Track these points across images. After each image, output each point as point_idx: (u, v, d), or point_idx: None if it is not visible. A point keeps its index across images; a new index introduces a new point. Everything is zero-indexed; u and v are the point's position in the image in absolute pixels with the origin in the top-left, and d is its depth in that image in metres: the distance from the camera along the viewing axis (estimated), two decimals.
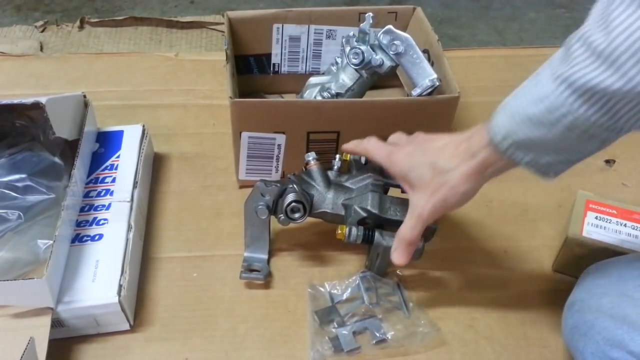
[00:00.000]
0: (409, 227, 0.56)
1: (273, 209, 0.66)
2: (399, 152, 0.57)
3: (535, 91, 0.43)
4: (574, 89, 0.40)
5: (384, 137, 0.63)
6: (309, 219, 0.67)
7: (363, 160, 0.69)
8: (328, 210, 0.65)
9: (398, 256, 0.58)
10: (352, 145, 0.65)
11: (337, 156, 0.68)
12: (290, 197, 0.64)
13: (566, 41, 0.42)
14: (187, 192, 0.80)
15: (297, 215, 0.65)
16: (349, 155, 0.69)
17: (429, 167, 0.53)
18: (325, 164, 0.68)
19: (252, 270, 0.68)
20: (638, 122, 0.41)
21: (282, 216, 0.65)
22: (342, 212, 0.65)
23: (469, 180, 0.51)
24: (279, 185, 0.65)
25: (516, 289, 0.70)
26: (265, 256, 0.70)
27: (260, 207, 0.65)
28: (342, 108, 0.71)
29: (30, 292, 0.56)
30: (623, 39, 0.36)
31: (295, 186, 0.64)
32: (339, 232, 0.63)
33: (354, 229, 0.62)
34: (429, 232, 0.62)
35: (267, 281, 0.69)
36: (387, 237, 0.62)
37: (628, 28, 0.36)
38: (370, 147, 0.61)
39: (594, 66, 0.38)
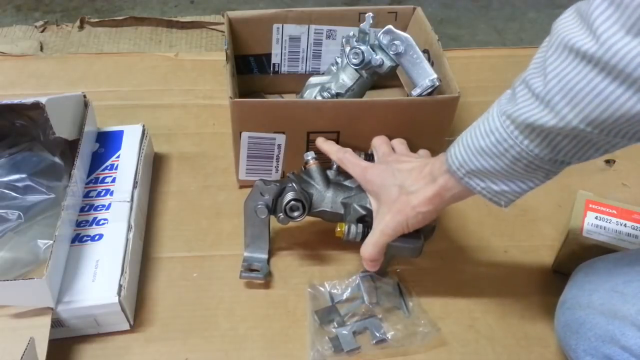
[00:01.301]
0: (371, 244, 0.59)
1: (272, 209, 0.66)
2: (372, 170, 0.61)
3: (486, 125, 0.48)
4: (516, 125, 0.45)
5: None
6: (308, 218, 0.67)
7: (363, 158, 0.69)
8: (327, 209, 0.66)
9: (367, 266, 0.61)
10: (327, 148, 0.68)
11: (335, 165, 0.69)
12: (289, 195, 0.64)
13: (513, 83, 0.47)
14: (187, 192, 0.80)
15: (296, 213, 0.65)
16: None
17: (397, 187, 0.57)
18: (324, 164, 0.68)
19: (252, 270, 0.68)
20: (576, 155, 0.45)
21: (281, 215, 0.65)
22: (342, 211, 0.65)
23: (430, 202, 0.55)
24: (278, 184, 0.65)
25: (516, 289, 0.70)
26: (265, 256, 0.70)
27: (259, 206, 0.65)
28: (342, 108, 0.71)
29: (30, 292, 0.56)
30: (555, 83, 0.41)
31: (294, 185, 0.64)
32: (338, 229, 0.63)
33: (353, 227, 0.62)
34: (428, 230, 0.62)
35: (267, 281, 0.69)
36: None
37: (559, 74, 0.41)
38: (346, 161, 0.65)
39: (533, 106, 0.44)
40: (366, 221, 0.63)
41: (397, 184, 0.57)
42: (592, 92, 0.39)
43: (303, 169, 0.69)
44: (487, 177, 0.50)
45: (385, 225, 0.58)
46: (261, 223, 0.68)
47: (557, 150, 0.45)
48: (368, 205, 0.63)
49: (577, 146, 0.44)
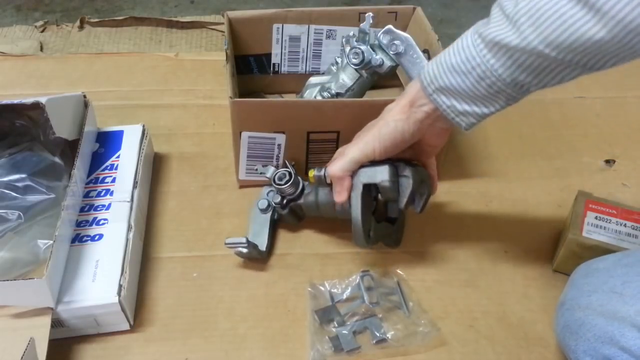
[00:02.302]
0: (337, 158, 0.60)
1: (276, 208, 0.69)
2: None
3: (459, 44, 0.51)
4: (485, 43, 0.49)
5: None
6: (308, 217, 0.67)
7: None
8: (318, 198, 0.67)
9: (337, 196, 0.62)
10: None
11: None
12: (280, 170, 0.69)
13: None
14: (187, 192, 0.80)
15: (283, 181, 0.67)
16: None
17: (377, 119, 0.60)
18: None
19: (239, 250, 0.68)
20: (534, 80, 0.48)
21: (276, 196, 0.69)
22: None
23: (402, 111, 0.57)
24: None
25: (516, 289, 0.70)
26: (263, 249, 0.69)
27: (261, 200, 0.70)
28: (342, 108, 0.71)
29: (30, 292, 0.56)
30: (524, 4, 0.45)
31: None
32: (310, 175, 0.65)
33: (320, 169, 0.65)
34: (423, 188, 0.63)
35: (266, 280, 0.69)
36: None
37: None
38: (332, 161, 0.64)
39: (503, 26, 0.47)
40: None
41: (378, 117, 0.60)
42: (555, 14, 0.43)
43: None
44: (453, 95, 0.52)
45: (359, 139, 0.59)
46: (263, 221, 0.70)
47: (519, 72, 0.48)
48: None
49: (535, 70, 0.47)
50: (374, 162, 0.60)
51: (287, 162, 0.71)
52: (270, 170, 0.70)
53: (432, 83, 0.53)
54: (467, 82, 0.51)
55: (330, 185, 0.64)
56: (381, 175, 0.59)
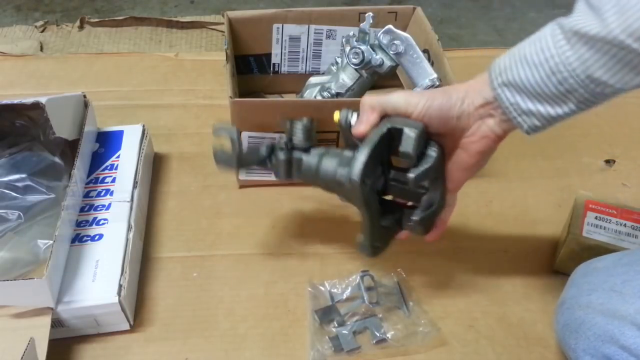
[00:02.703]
0: (378, 95, 0.55)
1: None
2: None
3: (537, 34, 0.48)
4: (564, 32, 0.45)
5: None
6: (309, 217, 0.66)
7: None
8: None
9: (358, 123, 0.56)
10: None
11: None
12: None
13: None
14: (187, 192, 0.80)
15: (299, 125, 0.61)
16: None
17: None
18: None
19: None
20: (610, 79, 0.44)
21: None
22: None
23: (462, 88, 0.53)
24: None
25: (516, 289, 0.70)
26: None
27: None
28: (342, 108, 0.71)
29: (30, 292, 0.56)
30: None
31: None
32: (335, 116, 0.59)
33: (348, 111, 0.58)
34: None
35: (266, 280, 0.69)
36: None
37: None
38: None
39: (585, 15, 0.44)
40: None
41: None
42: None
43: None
44: (519, 92, 0.48)
45: (418, 98, 0.53)
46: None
47: (594, 67, 0.44)
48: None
49: (614, 67, 0.43)
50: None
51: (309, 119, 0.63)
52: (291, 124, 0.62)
53: (501, 75, 0.49)
54: (536, 75, 0.47)
55: (349, 136, 0.58)
56: (412, 126, 0.53)
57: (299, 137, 0.61)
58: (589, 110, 0.48)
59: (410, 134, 0.52)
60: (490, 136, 0.52)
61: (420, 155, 0.54)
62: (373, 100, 0.55)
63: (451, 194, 0.58)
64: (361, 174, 0.53)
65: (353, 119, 0.58)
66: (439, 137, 0.54)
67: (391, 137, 0.54)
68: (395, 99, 0.54)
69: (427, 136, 0.54)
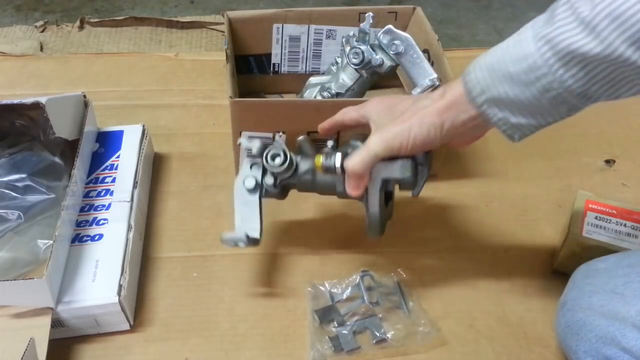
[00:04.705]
0: (360, 153, 0.54)
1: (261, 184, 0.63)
2: (377, 98, 0.58)
3: (518, 50, 0.45)
4: (555, 51, 0.42)
5: None
6: (308, 216, 0.66)
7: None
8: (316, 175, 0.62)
9: (350, 188, 0.57)
10: (327, 124, 0.62)
11: (329, 142, 0.63)
12: (270, 147, 0.60)
13: (551, 6, 0.44)
14: (187, 192, 0.80)
15: (277, 160, 0.60)
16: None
17: (406, 104, 0.54)
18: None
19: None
20: (608, 91, 0.43)
21: (268, 178, 0.61)
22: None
23: (440, 115, 0.50)
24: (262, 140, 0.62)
25: (516, 289, 0.70)
26: (256, 235, 0.63)
27: (248, 178, 0.62)
28: (342, 108, 0.71)
29: (30, 292, 0.56)
30: (604, 6, 0.39)
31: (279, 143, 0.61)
32: (316, 160, 0.59)
33: (332, 155, 0.58)
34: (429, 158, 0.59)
35: (266, 280, 0.69)
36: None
37: None
38: (342, 111, 0.60)
39: (577, 31, 0.41)
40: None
41: (409, 101, 0.54)
42: None
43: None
44: (508, 107, 0.47)
45: (385, 131, 0.52)
46: (252, 202, 0.63)
47: (592, 83, 0.43)
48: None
49: (612, 80, 0.42)
50: None
51: (275, 134, 0.63)
52: (256, 145, 0.61)
53: (484, 93, 0.47)
54: (527, 93, 0.45)
55: (341, 174, 0.59)
56: (403, 170, 0.55)
57: (284, 174, 0.61)
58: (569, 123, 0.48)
59: (406, 180, 0.55)
60: (476, 137, 0.55)
61: (417, 173, 0.57)
62: (358, 166, 0.54)
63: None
64: (381, 230, 0.58)
65: (337, 161, 0.58)
66: None
67: (387, 180, 0.56)
68: (376, 152, 0.53)
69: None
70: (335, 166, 0.58)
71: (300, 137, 0.64)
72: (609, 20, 0.39)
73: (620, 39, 0.39)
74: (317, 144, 0.65)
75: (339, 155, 0.58)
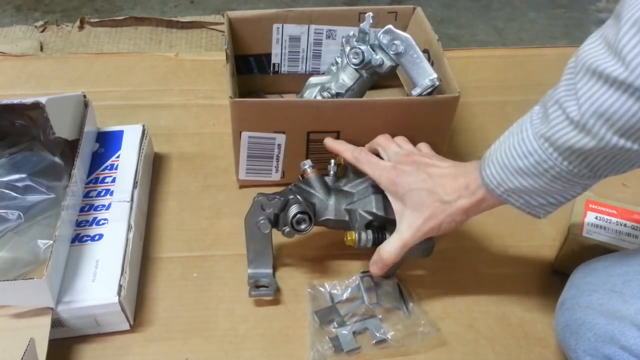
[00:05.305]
0: (397, 247, 0.59)
1: (275, 222, 0.64)
2: (401, 173, 0.60)
3: (523, 147, 0.49)
4: (555, 147, 0.47)
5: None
6: None
7: None
8: (331, 217, 0.64)
9: (377, 270, 0.61)
10: (340, 148, 0.66)
11: (332, 161, 0.68)
12: (294, 208, 0.62)
13: (544, 100, 0.49)
14: (187, 192, 0.80)
15: (303, 226, 0.63)
16: (342, 159, 0.68)
17: (428, 193, 0.57)
18: (321, 171, 0.67)
19: (259, 287, 0.67)
20: (613, 171, 0.47)
21: (287, 228, 0.63)
22: (346, 218, 0.64)
23: (466, 213, 0.57)
24: (280, 198, 0.63)
25: (516, 289, 0.70)
26: (270, 270, 0.68)
27: (262, 221, 0.63)
28: (342, 108, 0.71)
29: (30, 292, 0.56)
30: (588, 107, 0.43)
31: (297, 197, 0.62)
32: (349, 238, 0.62)
33: (363, 234, 0.61)
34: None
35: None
36: None
37: (591, 99, 0.43)
38: (364, 160, 0.63)
39: (569, 129, 0.45)
40: (374, 226, 0.63)
41: (428, 189, 0.57)
42: (627, 113, 0.42)
43: (301, 178, 0.67)
44: (526, 194, 0.51)
45: (417, 229, 0.58)
46: (264, 238, 0.66)
47: (596, 169, 0.47)
48: (374, 210, 0.62)
49: (614, 164, 0.46)
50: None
51: (291, 188, 0.65)
52: (293, 211, 0.62)
53: (501, 185, 0.52)
54: (540, 182, 0.49)
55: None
56: (421, 253, 0.63)
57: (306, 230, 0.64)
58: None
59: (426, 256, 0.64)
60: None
61: None
62: (392, 258, 0.60)
63: None
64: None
65: (369, 242, 0.62)
66: None
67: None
68: (410, 244, 0.59)
69: None
70: (367, 246, 0.62)
71: (308, 170, 0.66)
72: (596, 118, 0.43)
73: (610, 132, 0.43)
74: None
75: (370, 236, 0.62)
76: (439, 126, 0.74)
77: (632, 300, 0.49)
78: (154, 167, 0.83)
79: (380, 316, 0.64)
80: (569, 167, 0.47)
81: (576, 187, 0.50)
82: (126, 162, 0.75)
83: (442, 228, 0.57)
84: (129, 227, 0.67)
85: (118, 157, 0.76)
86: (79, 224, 0.67)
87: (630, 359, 0.47)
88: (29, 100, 0.66)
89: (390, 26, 0.74)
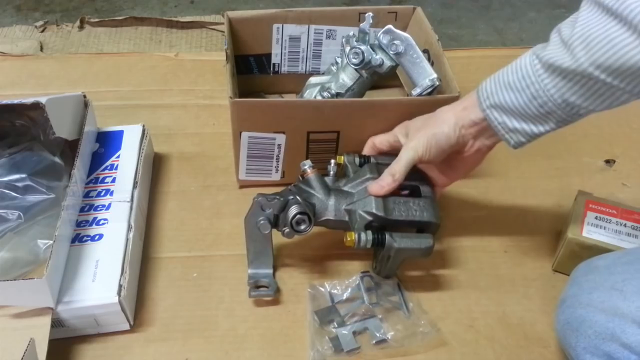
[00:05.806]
0: (402, 163, 0.62)
1: (274, 222, 0.64)
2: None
3: (518, 63, 0.54)
4: (542, 63, 0.52)
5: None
6: None
7: (357, 162, 0.68)
8: (331, 218, 0.64)
9: (378, 188, 0.63)
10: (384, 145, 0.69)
11: (332, 161, 0.68)
12: (294, 209, 0.62)
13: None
14: (187, 192, 0.80)
15: (303, 226, 0.62)
16: (342, 159, 0.69)
17: (430, 115, 0.63)
18: (320, 171, 0.67)
19: (259, 287, 0.67)
20: (583, 103, 0.51)
21: (286, 229, 0.63)
22: (346, 218, 0.64)
23: (454, 115, 0.60)
24: (280, 198, 0.63)
25: (516, 289, 0.70)
26: (270, 270, 0.68)
27: (262, 222, 0.63)
28: (342, 108, 0.71)
29: (30, 292, 0.56)
30: (579, 30, 0.48)
31: (297, 197, 0.62)
32: (348, 239, 0.61)
33: (363, 235, 0.61)
34: (434, 228, 0.64)
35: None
36: (398, 238, 0.61)
37: (584, 23, 0.48)
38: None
39: (557, 47, 0.51)
40: (373, 226, 0.63)
41: (430, 116, 0.63)
42: (606, 38, 0.46)
43: (301, 178, 0.67)
44: (505, 113, 0.55)
45: (417, 142, 0.61)
46: (264, 238, 0.66)
47: (569, 93, 0.50)
48: (374, 210, 0.62)
49: (585, 93, 0.50)
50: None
51: (291, 188, 0.65)
52: (293, 211, 0.62)
53: (488, 99, 0.56)
54: (520, 99, 0.53)
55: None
56: (420, 253, 0.63)
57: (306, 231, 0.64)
58: (568, 126, 0.55)
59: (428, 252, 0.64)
60: (482, 149, 0.61)
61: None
62: (404, 171, 0.62)
63: (442, 188, 0.70)
64: None
65: (369, 243, 0.62)
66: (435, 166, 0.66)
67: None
68: (407, 160, 0.62)
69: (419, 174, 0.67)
70: (367, 247, 0.62)
71: (308, 170, 0.66)
72: (580, 42, 0.48)
73: (586, 58, 0.47)
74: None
75: (370, 237, 0.61)
76: None
77: (633, 297, 0.49)
78: (154, 167, 0.83)
79: (380, 316, 0.64)
80: (547, 85, 0.51)
81: (550, 118, 0.53)
82: (126, 162, 0.75)
83: (437, 138, 0.60)
84: (129, 227, 0.67)
85: (118, 157, 0.76)
86: (79, 224, 0.67)
87: (630, 356, 0.47)
88: (29, 100, 0.66)
89: (390, 26, 0.74)
